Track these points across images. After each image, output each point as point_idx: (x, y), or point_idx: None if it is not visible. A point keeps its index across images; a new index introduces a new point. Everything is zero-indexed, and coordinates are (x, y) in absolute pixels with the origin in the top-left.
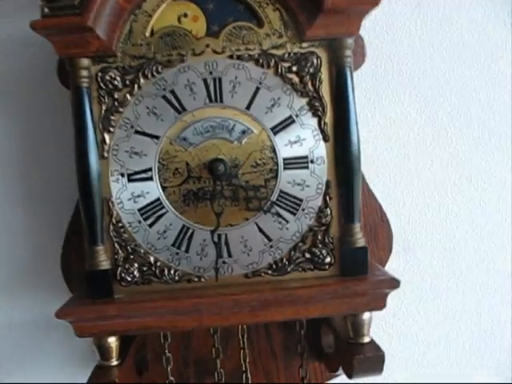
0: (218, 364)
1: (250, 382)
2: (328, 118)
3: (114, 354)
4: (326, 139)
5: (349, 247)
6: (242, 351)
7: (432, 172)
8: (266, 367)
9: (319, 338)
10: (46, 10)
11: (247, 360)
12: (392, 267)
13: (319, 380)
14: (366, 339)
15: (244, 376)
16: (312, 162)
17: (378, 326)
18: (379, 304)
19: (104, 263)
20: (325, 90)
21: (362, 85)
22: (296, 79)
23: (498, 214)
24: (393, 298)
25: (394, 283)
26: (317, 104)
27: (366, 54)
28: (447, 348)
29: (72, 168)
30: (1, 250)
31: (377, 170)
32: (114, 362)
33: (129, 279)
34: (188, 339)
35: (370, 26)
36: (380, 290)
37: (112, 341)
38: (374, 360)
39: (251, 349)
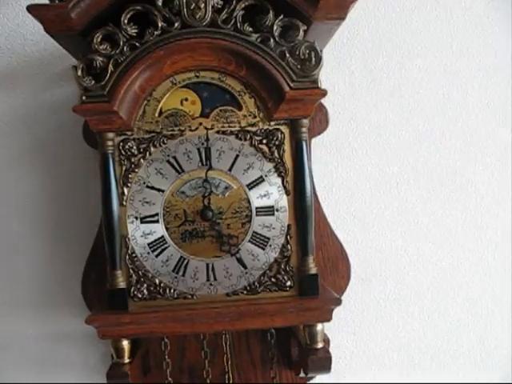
0: (206, 364)
1: (231, 381)
2: (289, 177)
3: (126, 353)
4: (287, 193)
5: (304, 274)
6: (225, 356)
7: (385, 216)
8: (246, 374)
9: (289, 350)
10: (84, 97)
11: (229, 362)
12: (352, 294)
13: None
14: (319, 345)
15: (227, 376)
16: (277, 210)
17: (341, 343)
18: (326, 317)
19: (121, 283)
20: (287, 157)
21: (327, 144)
22: (266, 149)
23: (440, 252)
24: (353, 319)
25: (337, 301)
26: (281, 168)
27: (329, 120)
28: (399, 362)
29: (89, 214)
30: (33, 276)
31: (339, 213)
32: (126, 360)
33: (139, 296)
34: (183, 350)
35: (334, 97)
36: (327, 307)
37: (125, 343)
38: (323, 360)
39: (234, 358)
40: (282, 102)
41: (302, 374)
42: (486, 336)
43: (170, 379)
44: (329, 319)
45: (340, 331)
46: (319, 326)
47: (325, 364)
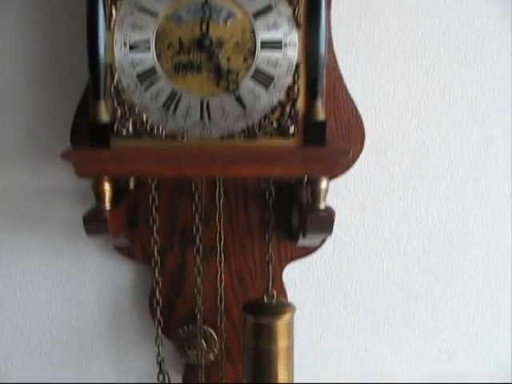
0: (196, 218)
1: (223, 240)
2: (302, 8)
3: (107, 199)
4: (298, 26)
5: (311, 120)
6: (217, 212)
7: (408, 83)
8: (243, 240)
9: (290, 220)
10: None
11: (221, 221)
12: (364, 167)
13: (288, 257)
14: (322, 205)
15: (217, 235)
16: (285, 45)
17: (347, 220)
18: (332, 170)
19: (104, 117)
20: None
21: None
22: None
23: (465, 126)
24: (363, 195)
25: (345, 152)
26: None
27: None
28: (408, 245)
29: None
30: (20, 122)
31: (357, 76)
32: (107, 206)
33: (124, 133)
34: (176, 210)
35: None
36: (333, 157)
37: (106, 187)
38: (325, 219)
39: (230, 221)
40: None
41: (300, 242)
42: None
43: (156, 236)
44: (335, 173)
45: (347, 207)
46: (323, 184)
47: (325, 224)
